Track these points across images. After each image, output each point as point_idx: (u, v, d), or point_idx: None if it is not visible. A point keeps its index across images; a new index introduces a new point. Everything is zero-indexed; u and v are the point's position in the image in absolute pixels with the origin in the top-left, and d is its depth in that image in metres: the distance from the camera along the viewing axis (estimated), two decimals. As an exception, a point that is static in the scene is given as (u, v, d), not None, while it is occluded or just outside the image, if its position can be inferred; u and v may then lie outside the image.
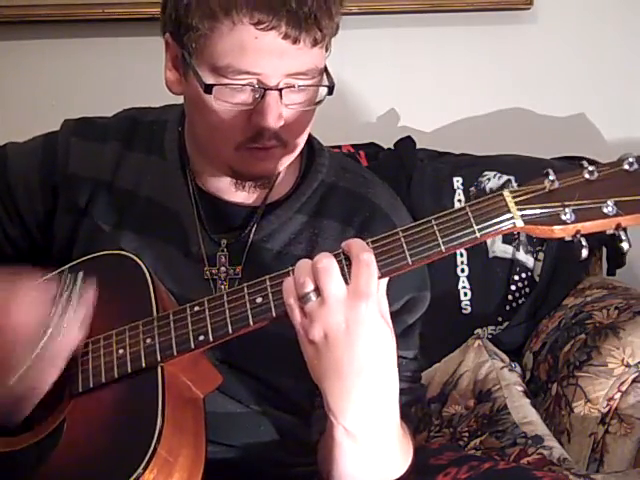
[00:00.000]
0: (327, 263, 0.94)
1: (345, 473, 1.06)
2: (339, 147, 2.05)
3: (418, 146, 2.11)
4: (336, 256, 0.96)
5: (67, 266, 1.19)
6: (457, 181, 2.04)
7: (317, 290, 0.94)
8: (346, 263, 0.96)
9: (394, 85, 2.23)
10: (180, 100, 1.29)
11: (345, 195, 1.28)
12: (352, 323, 0.93)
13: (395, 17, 2.20)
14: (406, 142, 2.11)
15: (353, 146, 2.09)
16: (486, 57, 2.24)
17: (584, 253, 0.91)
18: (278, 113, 1.10)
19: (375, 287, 0.94)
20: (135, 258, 1.14)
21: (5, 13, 2.10)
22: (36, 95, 2.16)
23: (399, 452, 1.06)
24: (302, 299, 0.95)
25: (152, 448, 0.97)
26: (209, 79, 1.09)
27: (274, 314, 1.00)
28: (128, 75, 2.16)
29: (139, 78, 2.04)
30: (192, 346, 1.04)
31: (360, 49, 2.17)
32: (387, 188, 1.33)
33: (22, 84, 2.17)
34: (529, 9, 2.20)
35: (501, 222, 0.93)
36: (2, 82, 2.16)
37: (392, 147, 2.11)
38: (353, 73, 2.13)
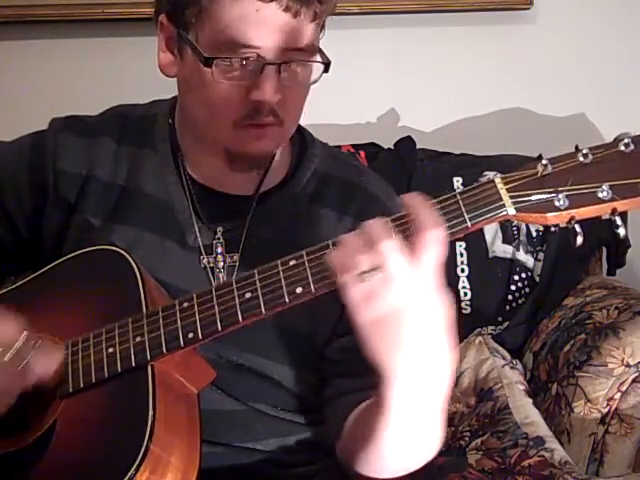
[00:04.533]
0: (390, 240, 0.89)
1: (390, 447, 1.03)
2: (339, 147, 2.05)
3: (418, 146, 2.10)
4: (392, 221, 0.92)
5: (56, 262, 1.20)
6: (457, 181, 2.03)
7: (377, 265, 0.89)
8: (402, 228, 0.92)
9: (394, 85, 2.23)
10: (167, 96, 1.30)
11: (339, 184, 1.28)
12: (416, 299, 0.90)
13: (395, 17, 2.20)
14: (406, 142, 2.11)
15: (353, 146, 2.08)
16: (486, 57, 2.24)
17: (579, 240, 0.90)
18: (276, 87, 1.11)
19: (439, 261, 0.90)
20: (124, 253, 1.14)
21: (5, 13, 2.10)
22: (36, 95, 2.16)
23: (440, 428, 1.04)
24: (360, 276, 0.90)
25: (144, 448, 0.96)
26: (208, 53, 1.10)
27: (263, 310, 0.99)
28: (128, 75, 2.16)
29: (139, 78, 2.04)
30: (181, 344, 1.03)
31: (360, 49, 2.18)
32: (378, 177, 1.34)
33: (22, 84, 2.17)
34: (529, 9, 2.20)
35: (492, 210, 0.91)
36: (2, 82, 2.16)
37: (392, 147, 2.11)
38: (353, 73, 2.13)
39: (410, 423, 0.99)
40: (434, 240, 0.88)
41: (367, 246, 0.89)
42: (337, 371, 1.19)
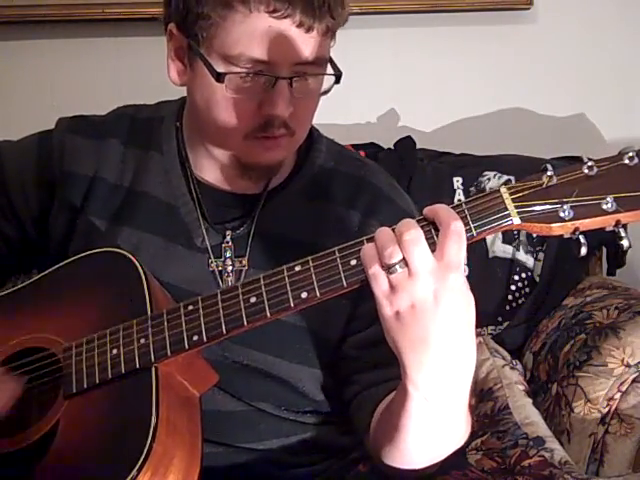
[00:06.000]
0: (415, 234, 0.90)
1: (415, 443, 1.03)
2: (339, 147, 2.05)
3: (418, 146, 2.11)
4: (418, 222, 0.93)
5: (61, 264, 1.20)
6: (457, 181, 2.03)
7: (403, 260, 0.90)
8: (427, 229, 0.93)
9: (394, 85, 2.23)
10: (170, 96, 1.29)
11: (345, 179, 1.28)
12: (441, 294, 0.90)
13: (395, 17, 2.20)
14: (406, 142, 2.11)
15: (353, 146, 2.07)
16: (486, 57, 2.24)
17: (583, 251, 0.90)
18: (288, 101, 1.11)
19: (464, 256, 0.92)
20: (129, 255, 1.14)
21: (5, 13, 2.10)
22: (36, 95, 2.16)
23: (465, 420, 1.03)
24: (388, 269, 0.91)
25: (146, 450, 0.96)
26: (220, 68, 1.10)
27: (268, 314, 0.99)
28: (128, 75, 2.15)
29: (139, 78, 2.04)
30: (186, 346, 1.03)
31: (360, 49, 2.17)
32: (383, 171, 1.34)
33: (22, 84, 2.17)
34: (529, 9, 2.20)
35: (498, 220, 0.92)
36: (2, 82, 2.16)
37: (392, 147, 2.11)
38: (353, 73, 2.11)
39: (433, 417, 0.99)
40: (456, 233, 0.90)
41: (395, 240, 0.91)
42: (357, 367, 1.20)
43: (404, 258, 0.90)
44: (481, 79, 2.24)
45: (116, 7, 2.11)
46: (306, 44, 1.09)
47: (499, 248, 2.01)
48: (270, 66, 1.09)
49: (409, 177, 2.03)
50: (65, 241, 1.28)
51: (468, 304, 0.93)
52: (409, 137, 2.11)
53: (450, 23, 2.23)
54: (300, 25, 1.07)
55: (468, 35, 2.23)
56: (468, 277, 2.03)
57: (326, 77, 1.16)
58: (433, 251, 0.91)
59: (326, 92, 1.17)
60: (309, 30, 1.08)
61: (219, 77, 1.10)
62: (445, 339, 0.92)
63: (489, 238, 2.01)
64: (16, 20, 2.11)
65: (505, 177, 2.00)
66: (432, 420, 0.99)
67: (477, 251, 1.99)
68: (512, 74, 2.24)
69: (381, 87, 2.22)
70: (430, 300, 0.90)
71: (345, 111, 2.18)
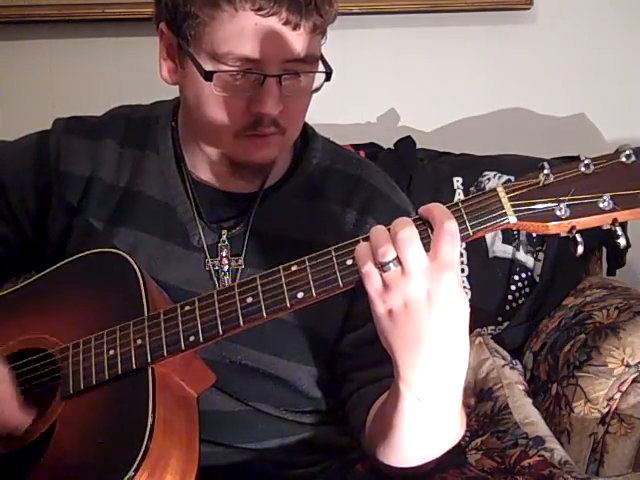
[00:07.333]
0: (409, 233, 0.90)
1: (408, 442, 1.03)
2: (339, 147, 2.05)
3: (418, 146, 2.10)
4: (414, 221, 0.93)
5: (58, 264, 1.20)
6: (457, 181, 2.03)
7: (397, 259, 0.90)
8: (423, 228, 0.93)
9: (394, 85, 2.23)
10: (169, 96, 1.29)
11: (341, 177, 1.28)
12: (434, 293, 0.90)
13: (395, 17, 2.20)
14: (406, 142, 2.10)
15: (353, 146, 2.08)
16: (486, 57, 2.24)
17: (579, 250, 0.90)
18: (277, 99, 1.11)
19: (458, 256, 0.92)
20: (126, 256, 1.14)
21: (5, 13, 2.10)
22: (36, 95, 2.17)
23: (459, 419, 1.04)
24: (381, 268, 0.92)
25: (143, 450, 0.96)
26: (208, 66, 1.10)
27: (264, 314, 0.99)
28: (128, 75, 2.16)
29: (139, 78, 2.04)
30: (182, 347, 1.03)
31: (360, 49, 2.18)
32: (379, 169, 1.34)
33: (22, 84, 2.18)
34: (529, 9, 2.20)
35: (494, 218, 0.92)
36: (2, 82, 2.16)
37: (392, 147, 2.11)
38: (353, 73, 2.12)
39: (426, 417, 0.99)
40: (449, 233, 0.90)
41: (390, 238, 0.91)
42: (353, 365, 1.20)
43: (398, 257, 0.90)
44: (481, 79, 2.24)
45: (116, 7, 2.12)
46: (294, 42, 1.09)
47: (499, 248, 2.01)
48: (258, 64, 1.10)
49: (409, 177, 2.03)
50: (63, 242, 1.28)
51: (461, 304, 0.93)
52: (409, 137, 2.11)
53: (450, 23, 2.23)
54: (287, 23, 1.07)
55: (468, 35, 2.23)
56: (468, 277, 2.03)
57: (318, 74, 1.16)
58: (429, 250, 0.91)
59: (317, 90, 1.17)
60: (296, 28, 1.08)
61: (207, 76, 1.10)
62: (438, 339, 0.92)
63: (489, 238, 2.01)
64: (16, 20, 2.12)
65: (505, 177, 2.00)
66: (425, 420, 0.99)
67: (477, 251, 1.99)
68: (512, 74, 2.24)
69: (381, 87, 2.23)
70: (423, 299, 0.90)
71: (345, 111, 2.19)
